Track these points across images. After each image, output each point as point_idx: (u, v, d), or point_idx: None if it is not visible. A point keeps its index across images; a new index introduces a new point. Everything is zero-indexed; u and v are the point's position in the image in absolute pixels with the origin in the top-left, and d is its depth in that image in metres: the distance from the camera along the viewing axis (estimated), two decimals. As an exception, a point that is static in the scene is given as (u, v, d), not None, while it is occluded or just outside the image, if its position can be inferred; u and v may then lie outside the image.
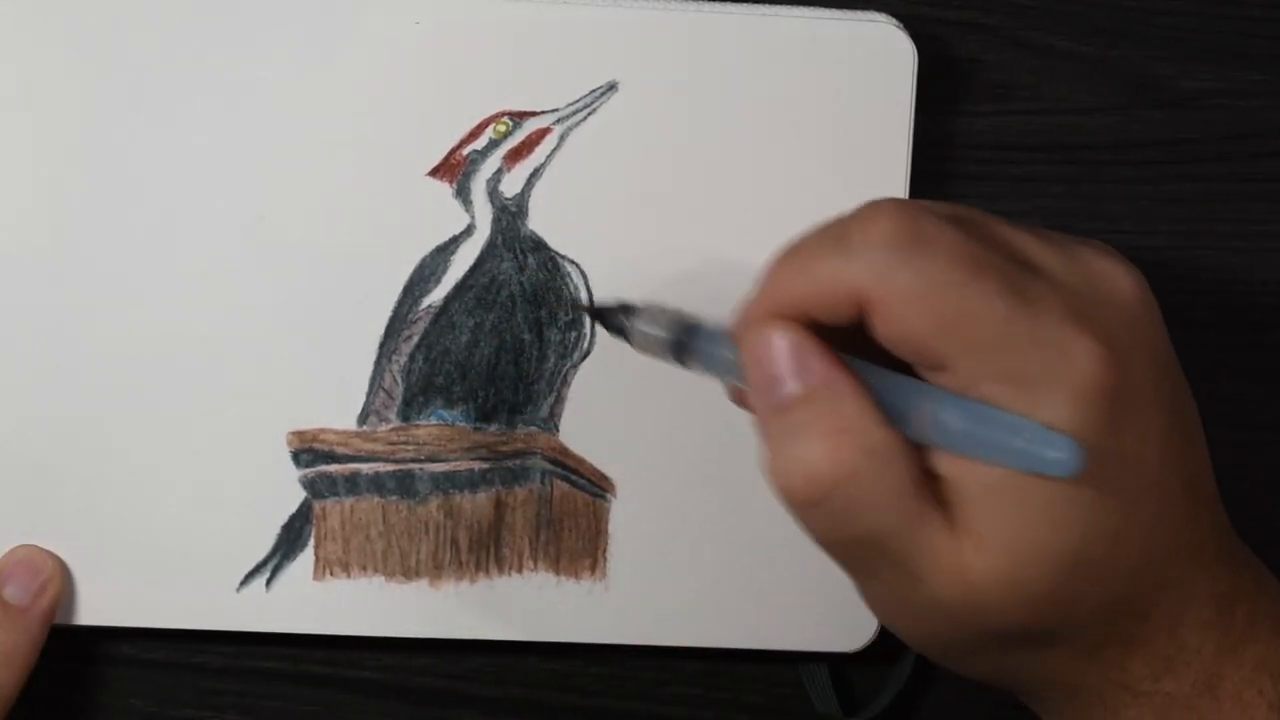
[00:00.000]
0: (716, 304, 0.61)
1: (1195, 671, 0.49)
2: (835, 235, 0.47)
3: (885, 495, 0.46)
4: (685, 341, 0.51)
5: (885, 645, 0.63)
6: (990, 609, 0.47)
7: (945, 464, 0.47)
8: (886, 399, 0.47)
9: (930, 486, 0.47)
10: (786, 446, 0.47)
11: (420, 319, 0.61)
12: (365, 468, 0.61)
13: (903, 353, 0.47)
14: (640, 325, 0.52)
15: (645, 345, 0.52)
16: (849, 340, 0.48)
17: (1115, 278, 0.48)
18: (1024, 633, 0.48)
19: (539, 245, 0.61)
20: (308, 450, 0.61)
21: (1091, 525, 0.47)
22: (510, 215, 0.61)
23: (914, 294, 0.46)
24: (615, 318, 0.53)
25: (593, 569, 0.62)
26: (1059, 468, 0.45)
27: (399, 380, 0.61)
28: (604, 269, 0.61)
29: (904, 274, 0.46)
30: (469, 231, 0.61)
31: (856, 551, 0.48)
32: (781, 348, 0.47)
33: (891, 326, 0.46)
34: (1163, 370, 0.48)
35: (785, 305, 0.48)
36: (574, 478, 0.62)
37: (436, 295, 0.61)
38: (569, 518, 0.62)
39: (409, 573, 0.62)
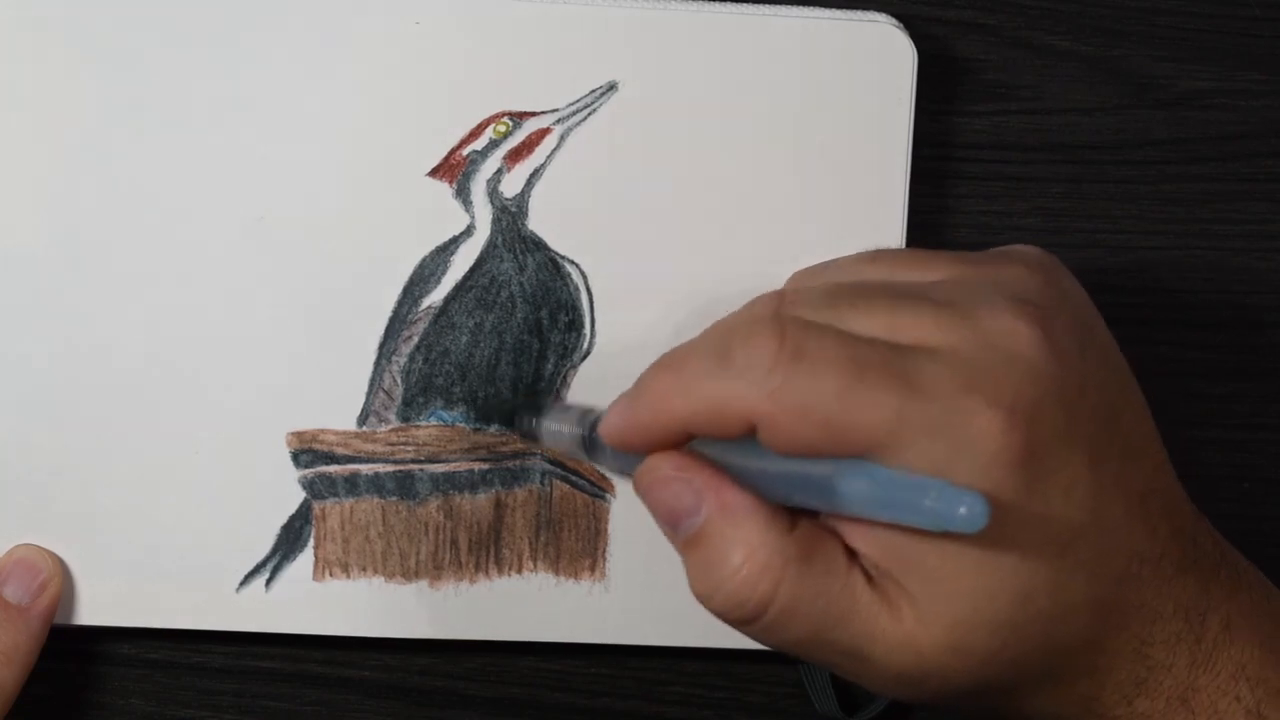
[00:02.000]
0: (717, 303, 0.61)
1: (1168, 688, 0.50)
2: (717, 355, 0.48)
3: (813, 600, 0.47)
4: (594, 438, 0.52)
5: (885, 645, 0.64)
6: (946, 672, 0.48)
7: (868, 541, 0.47)
8: (788, 486, 0.47)
9: (859, 566, 0.48)
10: (705, 574, 0.48)
11: (420, 319, 0.61)
12: (365, 468, 0.61)
13: (795, 454, 0.47)
14: (549, 424, 0.54)
15: (552, 442, 0.54)
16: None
17: (1015, 335, 0.47)
18: (984, 686, 0.49)
19: (539, 245, 0.61)
20: (307, 451, 0.61)
21: (1026, 583, 0.47)
22: (510, 215, 0.61)
23: (801, 408, 0.46)
24: (526, 425, 0.55)
25: (592, 569, 0.62)
26: (968, 524, 0.44)
27: (398, 381, 0.61)
28: (604, 269, 0.61)
29: (789, 391, 0.46)
30: (469, 232, 0.61)
31: (803, 651, 0.49)
32: (676, 483, 0.49)
33: (783, 440, 0.47)
34: (1080, 409, 0.48)
35: (670, 423, 0.48)
36: (574, 478, 0.62)
37: (436, 296, 0.61)
38: (569, 518, 0.62)
39: (409, 573, 0.62)
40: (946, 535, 0.46)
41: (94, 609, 0.61)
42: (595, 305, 0.61)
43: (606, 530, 0.62)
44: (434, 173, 0.61)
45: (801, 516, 0.49)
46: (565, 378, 0.61)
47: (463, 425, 0.61)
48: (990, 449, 0.46)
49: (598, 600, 0.62)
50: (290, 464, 0.61)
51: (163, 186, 0.60)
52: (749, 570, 0.47)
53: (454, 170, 0.61)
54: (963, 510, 0.44)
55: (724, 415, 0.47)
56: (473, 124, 0.61)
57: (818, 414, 0.46)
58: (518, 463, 0.61)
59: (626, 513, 0.62)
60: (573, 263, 0.61)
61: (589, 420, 0.53)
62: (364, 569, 0.61)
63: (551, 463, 0.62)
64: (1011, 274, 0.50)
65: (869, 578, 0.48)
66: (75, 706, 0.63)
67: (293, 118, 0.60)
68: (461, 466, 0.61)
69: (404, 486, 0.61)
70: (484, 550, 0.62)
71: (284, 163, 0.60)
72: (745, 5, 0.61)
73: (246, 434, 0.61)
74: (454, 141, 0.61)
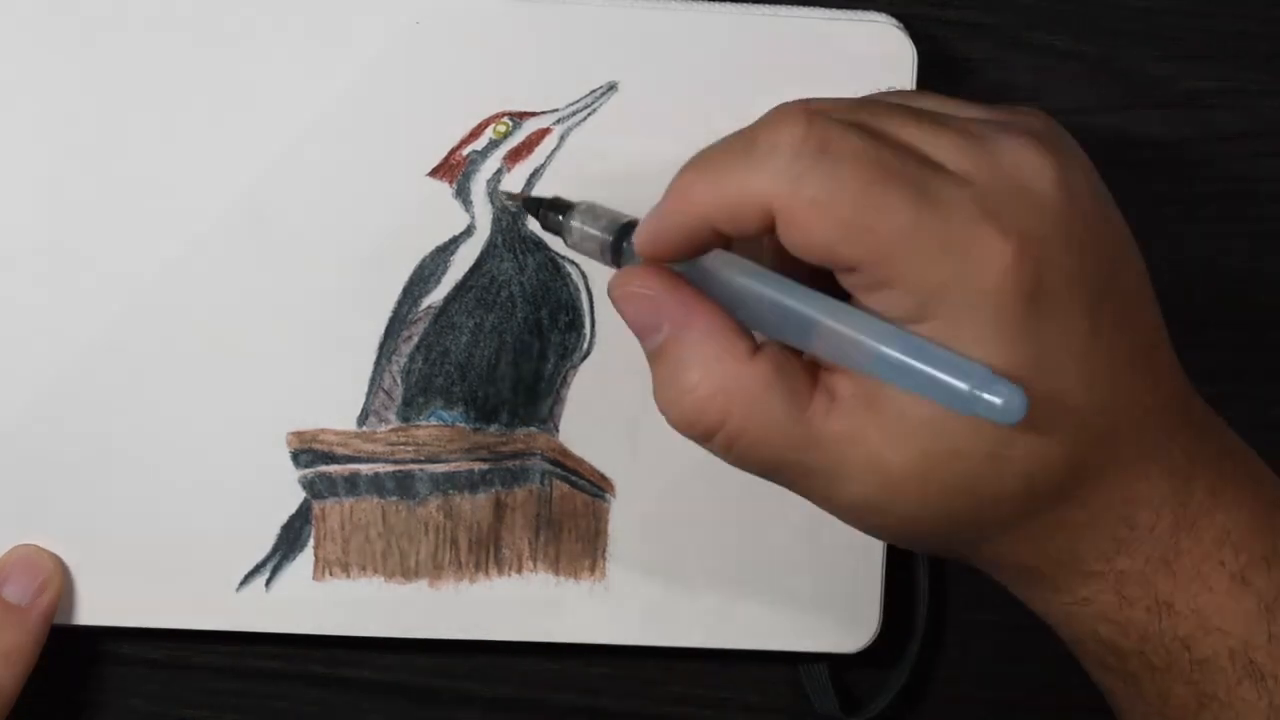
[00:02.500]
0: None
1: (1149, 548, 0.49)
2: (742, 145, 0.47)
3: (766, 427, 0.48)
4: (621, 242, 0.52)
5: (885, 645, 0.63)
6: (911, 499, 0.48)
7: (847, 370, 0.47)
8: (801, 328, 0.47)
9: (827, 386, 0.48)
10: (665, 389, 0.49)
11: (420, 319, 0.61)
12: (365, 468, 0.61)
13: (813, 260, 0.47)
14: (576, 223, 0.53)
15: (580, 244, 0.53)
16: (774, 257, 0.48)
17: (1032, 168, 0.47)
18: (952, 523, 0.49)
19: (539, 245, 0.61)
20: (307, 450, 0.61)
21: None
22: (510, 215, 0.61)
23: (820, 202, 0.46)
24: (551, 214, 0.54)
25: (592, 569, 0.62)
26: (1005, 415, 0.44)
27: (398, 381, 0.61)
28: (604, 269, 0.61)
29: (810, 182, 0.46)
30: (469, 232, 0.61)
31: (768, 473, 0.49)
32: (643, 299, 0.49)
33: (798, 235, 0.46)
34: (1087, 254, 0.47)
35: (695, 219, 0.48)
36: (574, 478, 0.62)
37: (436, 296, 0.61)
38: (569, 518, 0.62)
39: (408, 573, 0.62)
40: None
41: (94, 609, 0.61)
42: (595, 305, 0.61)
43: (606, 530, 0.62)
44: (434, 173, 0.61)
45: (770, 341, 0.49)
46: (565, 378, 0.61)
47: (463, 425, 0.61)
48: (998, 276, 0.45)
49: (598, 600, 0.62)
50: (290, 464, 0.61)
51: (163, 186, 0.60)
52: (700, 393, 0.48)
53: (454, 170, 0.61)
54: (998, 401, 0.44)
55: (745, 206, 0.47)
56: (473, 124, 0.61)
57: (836, 210, 0.46)
58: (518, 463, 0.61)
59: (626, 513, 0.62)
60: (573, 263, 0.61)
61: (618, 225, 0.52)
62: (364, 569, 0.61)
63: (551, 463, 0.62)
64: (1029, 121, 0.49)
65: (835, 401, 0.48)
66: (75, 706, 0.63)
67: (293, 118, 0.60)
68: (461, 466, 0.61)
69: (404, 486, 0.61)
70: (484, 550, 0.62)
71: (284, 162, 0.60)
72: (745, 5, 0.61)
73: (246, 434, 0.61)
74: (454, 141, 0.61)
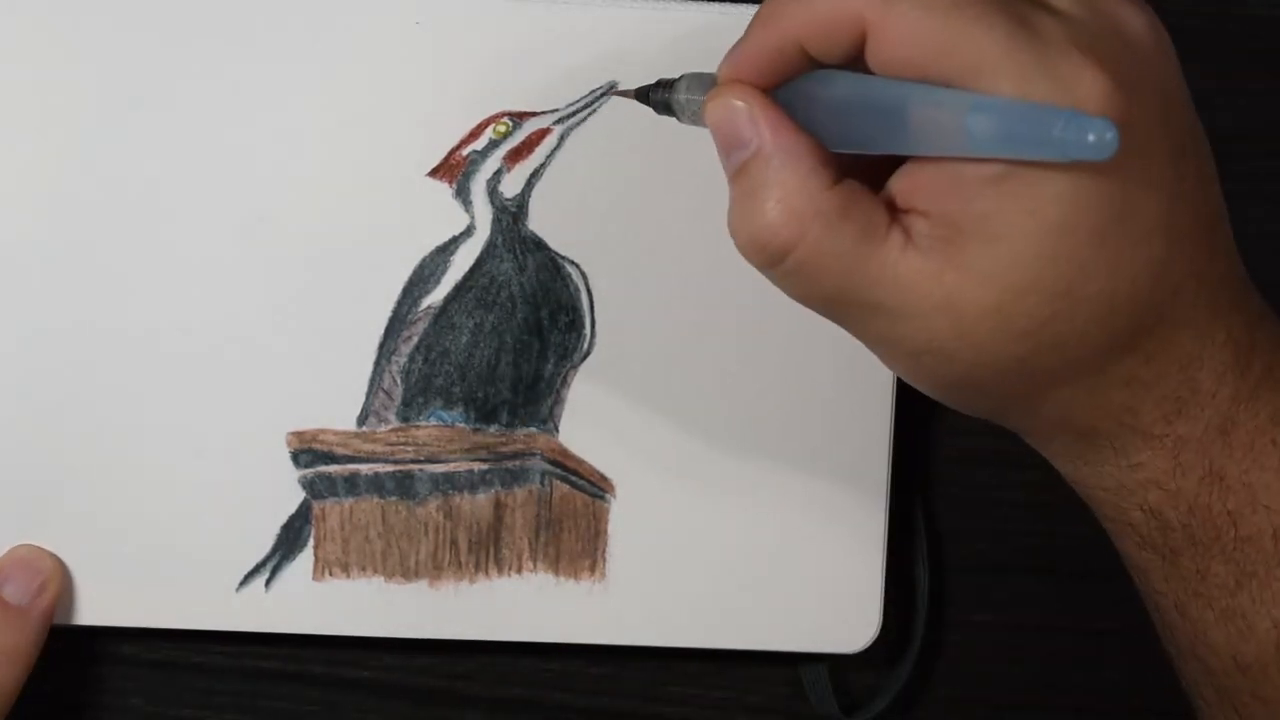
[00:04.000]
0: (717, 303, 0.62)
1: (1209, 415, 0.49)
2: None
3: (839, 254, 0.47)
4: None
5: (885, 646, 0.64)
6: (983, 342, 0.47)
7: (926, 199, 0.47)
8: (886, 120, 0.46)
9: (903, 226, 0.47)
10: (741, 208, 0.48)
11: (420, 320, 0.61)
12: (364, 468, 0.61)
13: (903, 72, 0.46)
14: (682, 95, 0.52)
15: (694, 114, 0.52)
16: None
17: (1127, 16, 0.47)
18: (1021, 368, 0.48)
19: (539, 246, 0.61)
20: (307, 451, 0.61)
21: (1091, 256, 0.46)
22: (510, 216, 0.61)
23: (913, 17, 0.45)
24: (659, 95, 0.53)
25: (592, 569, 0.62)
26: (1098, 150, 0.43)
27: (398, 381, 0.61)
28: (604, 269, 0.61)
29: None
30: (469, 232, 0.61)
31: (829, 308, 0.49)
32: (736, 111, 0.48)
33: (891, 51, 0.46)
34: (1173, 109, 0.48)
35: (783, 38, 0.48)
36: (573, 478, 0.62)
37: (436, 296, 0.61)
38: (568, 518, 0.62)
39: (408, 573, 0.62)
40: (1026, 190, 0.45)
41: (94, 609, 0.61)
42: (595, 305, 0.61)
43: (606, 530, 0.62)
44: (434, 173, 0.61)
45: (850, 177, 0.48)
46: (565, 378, 0.61)
47: (462, 425, 0.61)
48: (1094, 105, 0.45)
49: (597, 600, 0.62)
50: (290, 464, 0.61)
51: (163, 187, 0.60)
52: (777, 214, 0.47)
53: (454, 170, 0.61)
54: (1092, 137, 0.43)
55: (835, 22, 0.46)
56: (473, 124, 0.61)
57: (928, 24, 0.45)
58: (517, 463, 0.62)
59: (626, 513, 0.62)
60: (573, 263, 0.61)
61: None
62: (364, 569, 0.61)
63: (551, 463, 0.62)
64: None
65: (910, 240, 0.47)
66: (75, 706, 0.63)
67: (293, 118, 0.60)
68: (461, 467, 0.61)
69: (404, 486, 0.61)
70: (484, 550, 0.62)
71: (284, 163, 0.60)
72: (745, 5, 0.61)
73: (246, 434, 0.61)
74: (454, 141, 0.61)
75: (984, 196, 0.46)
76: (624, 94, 0.57)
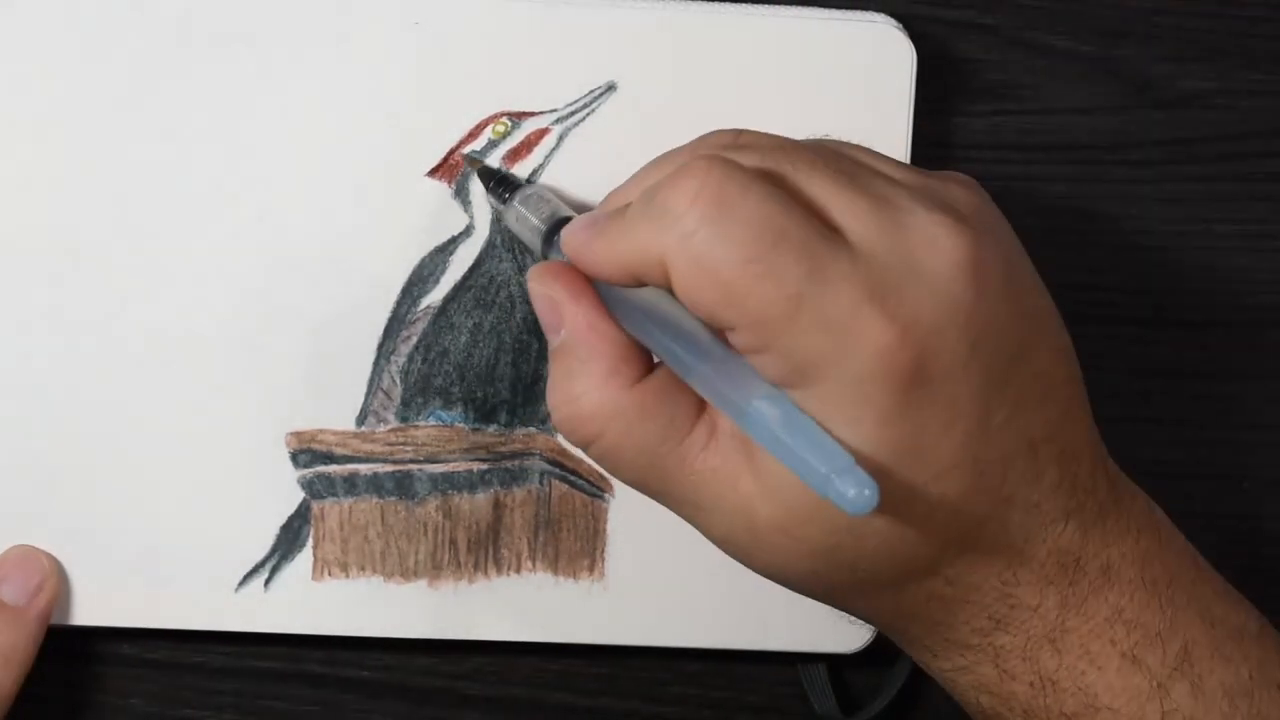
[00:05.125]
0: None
1: (1031, 627, 0.49)
2: (647, 198, 0.47)
3: (639, 452, 0.48)
4: (553, 236, 0.53)
5: (884, 646, 0.63)
6: (777, 551, 0.48)
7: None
8: (684, 360, 0.48)
9: (711, 420, 0.48)
10: (554, 386, 0.50)
11: (419, 319, 0.61)
12: (364, 468, 0.61)
13: (699, 313, 0.47)
14: (517, 204, 0.55)
15: (516, 226, 0.55)
16: None
17: (938, 248, 0.46)
18: (817, 579, 0.49)
19: (538, 245, 0.61)
20: (306, 451, 0.61)
21: None
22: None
23: (705, 264, 0.46)
24: (498, 189, 0.56)
25: (591, 569, 0.62)
26: (854, 506, 0.43)
27: (397, 381, 0.61)
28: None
29: (697, 243, 0.46)
30: (468, 232, 0.61)
31: (642, 490, 0.50)
32: (548, 298, 0.50)
33: (685, 292, 0.46)
34: (992, 342, 0.47)
35: (596, 271, 0.49)
36: (573, 478, 0.62)
37: (435, 296, 0.61)
38: (567, 518, 0.62)
39: (407, 573, 0.62)
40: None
41: (93, 609, 0.61)
42: (595, 305, 0.61)
43: (605, 530, 0.62)
44: (434, 173, 0.61)
45: (663, 367, 0.49)
46: (564, 378, 0.61)
47: (461, 425, 0.61)
48: (876, 360, 0.45)
49: (597, 600, 0.62)
50: (289, 464, 0.61)
51: (162, 187, 0.60)
52: (582, 405, 0.49)
53: (453, 170, 0.61)
54: (851, 493, 0.43)
55: (646, 261, 0.47)
56: (472, 124, 0.61)
57: (719, 272, 0.45)
58: (516, 463, 0.62)
59: (625, 513, 0.62)
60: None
61: (555, 219, 0.54)
62: (363, 569, 0.61)
63: (550, 463, 0.62)
64: (956, 192, 0.49)
65: (714, 437, 0.48)
66: (75, 706, 0.63)
67: (292, 117, 0.60)
68: (460, 467, 0.61)
69: (403, 486, 0.61)
70: (483, 550, 0.62)
71: (283, 163, 0.60)
72: (745, 5, 0.61)
73: (246, 434, 0.61)
74: (454, 141, 0.61)
75: None
76: (473, 162, 0.59)
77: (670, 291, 0.47)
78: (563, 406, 0.49)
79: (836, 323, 0.45)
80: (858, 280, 0.45)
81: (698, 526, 0.50)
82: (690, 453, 0.48)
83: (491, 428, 0.61)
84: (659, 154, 0.51)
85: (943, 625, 0.49)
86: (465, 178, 0.61)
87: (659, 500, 0.50)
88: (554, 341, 0.50)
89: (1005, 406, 0.47)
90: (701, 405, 0.49)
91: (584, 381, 0.49)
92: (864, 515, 0.44)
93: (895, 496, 0.46)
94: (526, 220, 0.55)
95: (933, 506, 0.47)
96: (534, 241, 0.55)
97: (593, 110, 0.60)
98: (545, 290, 0.50)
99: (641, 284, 0.48)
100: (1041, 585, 0.49)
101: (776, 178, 0.47)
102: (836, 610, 0.52)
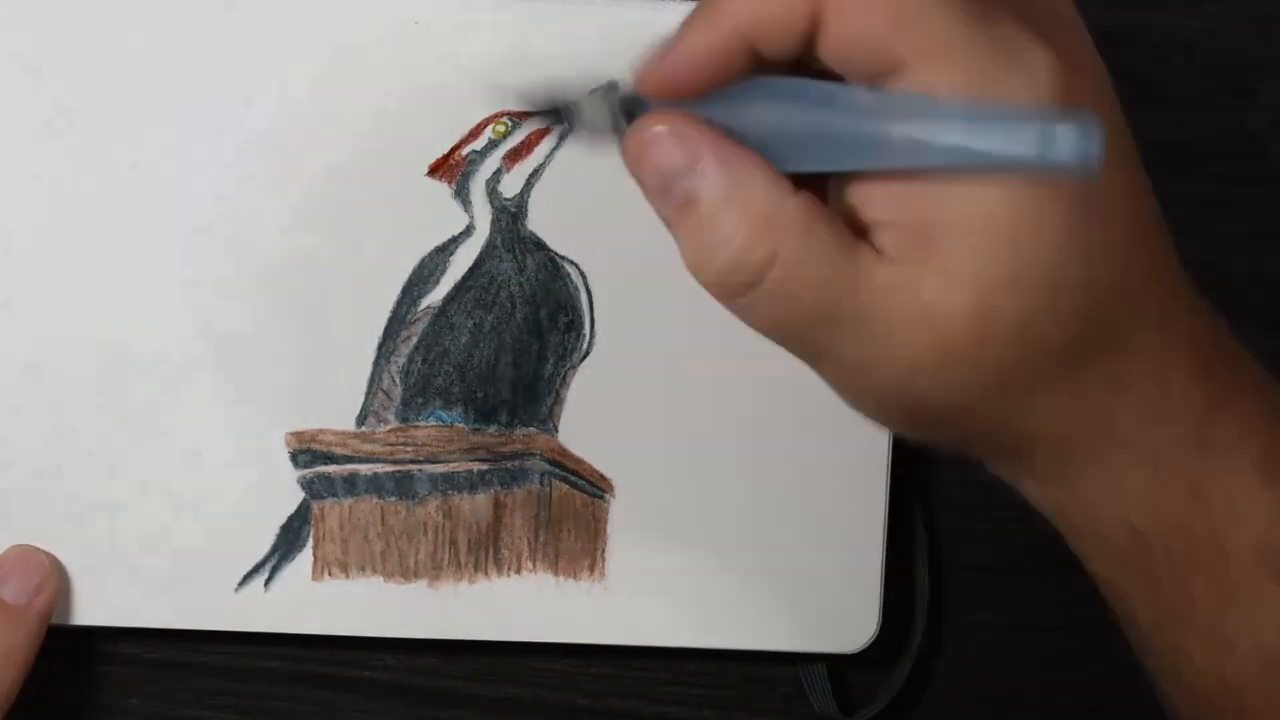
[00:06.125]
0: (716, 303, 0.61)
1: (1184, 420, 0.47)
2: None
3: (819, 262, 0.44)
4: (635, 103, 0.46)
5: (884, 646, 0.63)
6: (962, 350, 0.44)
7: (888, 209, 0.44)
8: (837, 127, 0.43)
9: (867, 242, 0.44)
10: (697, 243, 0.44)
11: (419, 320, 0.61)
12: (364, 469, 0.61)
13: (857, 58, 0.43)
14: (584, 101, 0.47)
15: (591, 119, 0.48)
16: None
17: (1067, 21, 0.46)
18: (1002, 377, 0.46)
19: (538, 245, 0.61)
20: (306, 451, 0.61)
21: (1063, 247, 0.44)
22: (509, 215, 0.61)
23: None
24: (562, 106, 0.48)
25: (592, 569, 0.62)
26: (1077, 149, 0.41)
27: (397, 381, 0.61)
28: (603, 269, 0.61)
29: None
30: (468, 232, 0.61)
31: (806, 332, 0.45)
32: (667, 142, 0.44)
33: (848, 24, 0.43)
34: (1107, 94, 0.47)
35: (725, 33, 0.44)
36: (573, 478, 0.62)
37: (435, 296, 0.61)
38: (568, 518, 0.62)
39: (408, 573, 0.62)
40: (995, 183, 0.43)
41: (93, 609, 0.61)
42: (595, 305, 0.61)
43: (605, 530, 0.62)
44: (433, 172, 0.61)
45: (804, 186, 0.44)
46: (565, 378, 0.61)
47: (462, 426, 0.61)
48: (1046, 85, 0.43)
49: (597, 600, 0.62)
50: (289, 464, 0.61)
51: (162, 187, 0.60)
52: (745, 233, 0.43)
53: (454, 170, 0.61)
54: (1075, 134, 0.41)
55: (792, 9, 0.43)
56: (472, 124, 0.61)
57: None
58: (517, 463, 0.62)
59: (626, 513, 0.62)
60: (572, 263, 0.61)
61: (632, 95, 0.47)
62: (363, 569, 0.61)
63: (551, 463, 0.62)
64: None
65: (881, 250, 0.44)
66: (75, 706, 0.63)
67: (292, 117, 0.60)
68: (460, 467, 0.61)
69: (403, 487, 0.61)
70: (483, 550, 0.62)
71: (284, 162, 0.60)
72: (744, 5, 0.61)
73: (246, 434, 0.61)
74: (454, 141, 0.61)
75: (952, 197, 0.43)
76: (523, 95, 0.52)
77: (776, 72, 0.44)
78: (720, 247, 0.43)
79: (1007, 46, 0.43)
80: (1010, 11, 0.44)
81: (871, 367, 0.45)
82: (865, 263, 0.44)
83: (492, 428, 0.61)
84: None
85: (1110, 418, 0.47)
86: (465, 177, 0.61)
87: (826, 343, 0.45)
88: (681, 192, 0.44)
89: (1131, 159, 0.47)
90: (854, 229, 0.45)
91: (739, 209, 0.43)
92: (1095, 166, 0.41)
93: (1082, 241, 0.44)
94: (599, 107, 0.47)
95: (1112, 254, 0.45)
96: (614, 122, 0.47)
97: (593, 110, 0.60)
98: (665, 129, 0.44)
99: (751, 64, 0.44)
100: (1189, 374, 0.47)
101: None
102: (981, 452, 0.49)
